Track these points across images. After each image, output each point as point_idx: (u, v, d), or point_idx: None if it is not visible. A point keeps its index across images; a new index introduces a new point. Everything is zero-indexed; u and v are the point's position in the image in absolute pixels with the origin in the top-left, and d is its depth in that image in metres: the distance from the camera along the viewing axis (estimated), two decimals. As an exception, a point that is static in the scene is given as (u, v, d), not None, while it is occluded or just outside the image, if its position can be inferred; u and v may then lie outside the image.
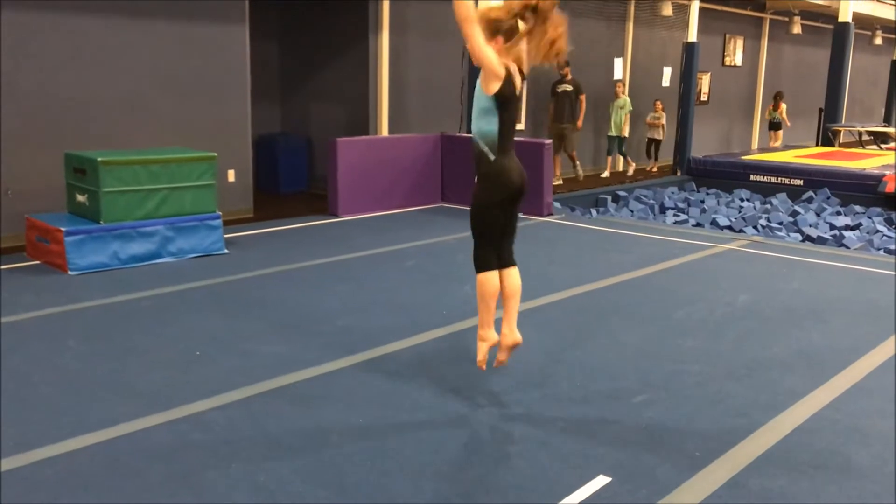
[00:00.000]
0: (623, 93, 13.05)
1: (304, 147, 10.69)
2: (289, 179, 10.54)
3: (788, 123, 16.88)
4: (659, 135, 13.93)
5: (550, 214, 8.81)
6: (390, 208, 8.90)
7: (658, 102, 13.79)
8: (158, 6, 7.72)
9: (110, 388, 3.89)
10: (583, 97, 11.93)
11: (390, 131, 10.35)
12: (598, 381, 4.13)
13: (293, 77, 10.93)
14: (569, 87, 11.94)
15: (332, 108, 10.52)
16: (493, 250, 3.64)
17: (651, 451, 3.36)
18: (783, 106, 16.88)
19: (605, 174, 13.43)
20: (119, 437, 3.38)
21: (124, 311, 5.12)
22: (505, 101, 3.50)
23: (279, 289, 5.73)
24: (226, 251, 6.68)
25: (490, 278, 3.63)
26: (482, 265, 3.63)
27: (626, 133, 13.19)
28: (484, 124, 3.54)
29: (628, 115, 12.99)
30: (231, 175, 8.49)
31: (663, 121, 13.77)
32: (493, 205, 3.57)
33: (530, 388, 4.01)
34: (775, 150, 15.65)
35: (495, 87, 3.47)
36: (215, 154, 6.76)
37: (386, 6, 10.06)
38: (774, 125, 16.94)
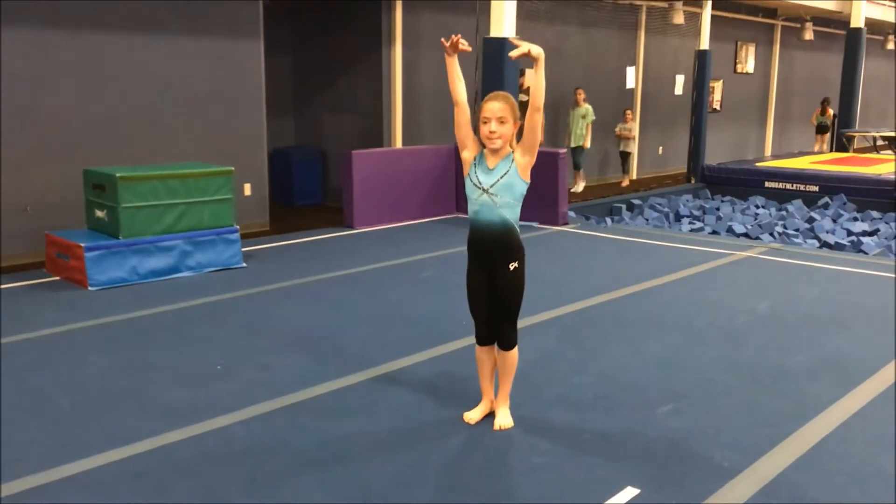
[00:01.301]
0: (584, 101, 12.19)
1: (319, 159, 10.72)
2: (304, 192, 10.57)
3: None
4: (630, 147, 13.41)
5: (566, 224, 8.79)
6: (405, 219, 8.91)
7: (628, 112, 13.25)
8: (174, 22, 7.78)
9: (133, 403, 3.89)
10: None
11: (404, 143, 10.37)
12: (623, 391, 4.10)
13: (307, 90, 10.98)
14: (525, 97, 11.00)
15: (346, 120, 10.56)
16: (481, 324, 3.64)
17: (679, 462, 3.33)
18: (830, 111, 17.03)
19: (577, 188, 12.38)
20: (143, 452, 3.37)
21: (145, 326, 5.13)
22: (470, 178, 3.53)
23: (297, 302, 5.73)
24: (244, 265, 6.70)
25: (479, 352, 3.68)
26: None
27: (587, 144, 12.27)
28: (517, 209, 3.49)
29: (590, 126, 12.19)
30: (247, 189, 8.52)
31: (635, 132, 13.20)
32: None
33: (555, 398, 3.98)
34: (821, 152, 15.57)
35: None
36: (232, 168, 6.79)
37: (399, 19, 10.10)
38: (822, 129, 17.19)
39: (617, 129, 13.24)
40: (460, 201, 9.42)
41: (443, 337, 4.89)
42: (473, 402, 3.84)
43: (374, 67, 10.16)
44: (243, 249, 6.86)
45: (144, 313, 5.38)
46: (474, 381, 4.20)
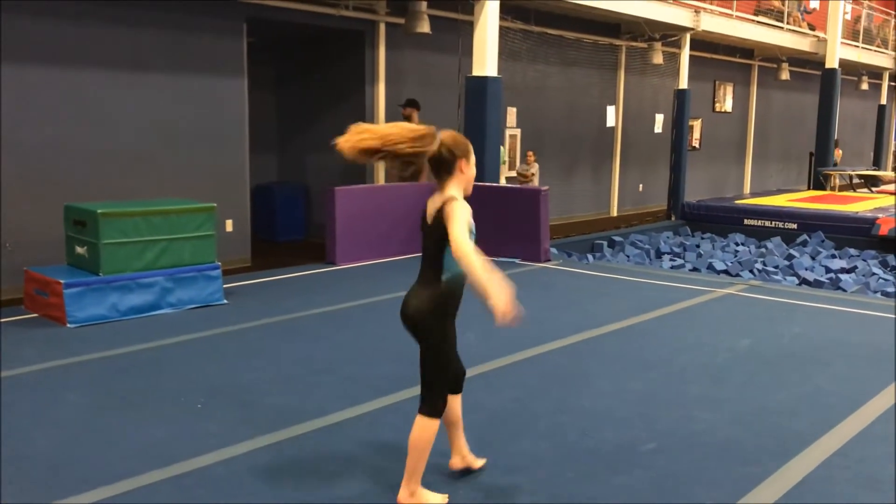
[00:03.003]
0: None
1: (302, 196, 10.74)
2: (286, 228, 10.57)
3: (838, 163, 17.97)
4: None
5: (548, 260, 8.83)
6: (388, 256, 8.91)
7: (530, 154, 12.17)
8: (158, 59, 7.82)
9: (112, 444, 3.84)
10: None
11: (387, 180, 10.41)
12: (606, 429, 4.09)
13: (291, 126, 11.03)
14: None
15: (330, 156, 10.49)
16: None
17: (663, 501, 3.32)
18: (839, 151, 17.88)
19: None
20: (122, 493, 3.32)
21: (124, 364, 5.08)
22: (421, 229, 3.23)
23: (279, 339, 5.70)
24: (225, 301, 6.66)
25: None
26: None
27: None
28: None
29: (505, 166, 11.24)
30: (229, 225, 8.50)
31: (534, 170, 12.06)
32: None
33: (538, 437, 3.97)
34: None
35: None
36: (214, 205, 6.78)
37: (382, 57, 10.21)
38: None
39: (518, 170, 12.24)
40: (443, 238, 9.43)
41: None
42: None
43: (358, 104, 10.23)
44: (225, 286, 6.83)
45: (124, 351, 5.33)
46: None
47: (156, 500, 3.27)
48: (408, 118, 9.56)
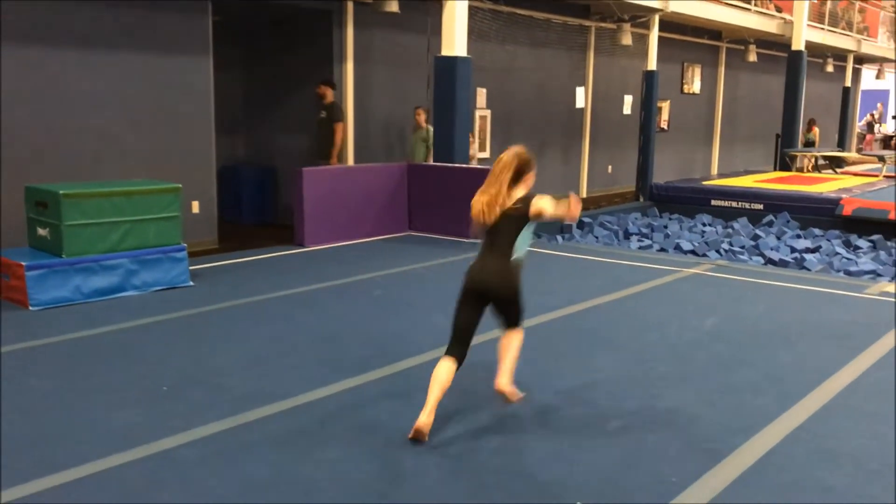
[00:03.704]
0: (426, 122, 10.36)
1: (269, 177, 10.64)
2: (254, 210, 10.48)
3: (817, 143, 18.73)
4: None
5: (517, 241, 8.84)
6: (357, 238, 8.87)
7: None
8: (121, 37, 7.67)
9: (76, 427, 3.79)
10: (338, 126, 9.41)
11: (356, 160, 10.35)
12: (573, 407, 4.12)
13: (258, 107, 10.90)
14: (323, 114, 9.54)
15: (298, 137, 10.49)
16: (455, 336, 3.85)
17: (627, 478, 3.36)
18: (816, 129, 18.47)
19: None
20: (86, 476, 3.29)
21: (88, 347, 5.01)
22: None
23: (246, 321, 5.66)
24: (191, 283, 6.59)
25: (440, 364, 3.79)
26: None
27: None
28: None
29: (432, 150, 10.27)
30: (195, 206, 8.40)
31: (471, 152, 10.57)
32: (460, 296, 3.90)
33: (504, 415, 3.99)
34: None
35: None
36: (179, 185, 6.69)
37: (350, 36, 10.11)
38: (809, 144, 18.48)
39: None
40: (413, 219, 9.42)
41: (397, 355, 4.86)
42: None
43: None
44: (191, 268, 6.75)
45: (88, 334, 5.26)
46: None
47: (122, 483, 3.24)
48: (322, 97, 9.38)
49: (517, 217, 3.79)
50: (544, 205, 3.76)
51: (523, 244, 3.87)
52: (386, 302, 6.26)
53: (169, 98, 8.11)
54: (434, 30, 9.62)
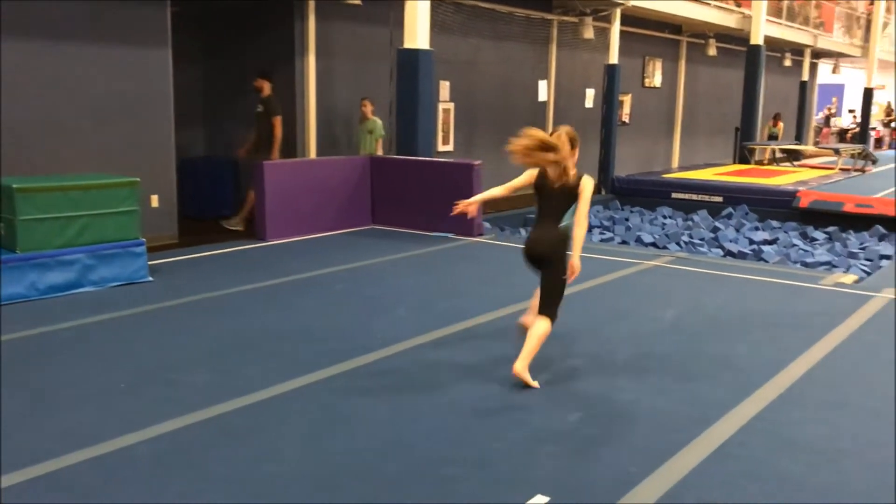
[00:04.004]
0: (372, 113, 10.21)
1: (231, 170, 10.51)
2: (214, 203, 10.33)
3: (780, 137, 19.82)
4: None
5: (481, 235, 8.86)
6: (320, 231, 8.81)
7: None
8: (76, 27, 7.51)
9: (31, 426, 3.72)
10: (276, 120, 9.08)
11: (319, 154, 10.28)
12: (533, 398, 4.14)
13: (219, 99, 10.77)
14: (260, 108, 9.22)
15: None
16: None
17: (588, 469, 3.39)
18: (781, 124, 19.36)
19: None
20: (41, 475, 3.23)
21: (44, 344, 4.92)
22: (537, 191, 4.39)
23: (206, 316, 5.59)
24: (150, 279, 6.50)
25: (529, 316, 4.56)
26: None
27: None
28: None
29: (380, 141, 10.21)
30: (155, 200, 8.27)
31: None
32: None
33: (465, 408, 4.00)
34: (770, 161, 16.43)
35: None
36: (137, 179, 6.58)
37: (312, 28, 10.03)
38: (773, 138, 19.47)
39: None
40: (377, 212, 9.39)
41: (357, 350, 4.85)
42: (387, 420, 3.82)
43: (288, 77, 10.05)
44: (150, 263, 6.66)
45: (44, 330, 5.16)
46: (389, 394, 4.19)
47: (76, 482, 3.19)
48: (259, 90, 9.16)
49: (571, 194, 4.30)
50: (587, 210, 4.36)
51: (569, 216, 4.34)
52: (348, 296, 6.24)
53: (127, 90, 7.97)
54: (397, 22, 9.58)
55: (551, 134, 4.36)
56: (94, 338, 5.06)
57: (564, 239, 4.33)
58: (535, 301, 4.44)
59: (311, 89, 10.14)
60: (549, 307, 4.38)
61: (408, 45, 9.31)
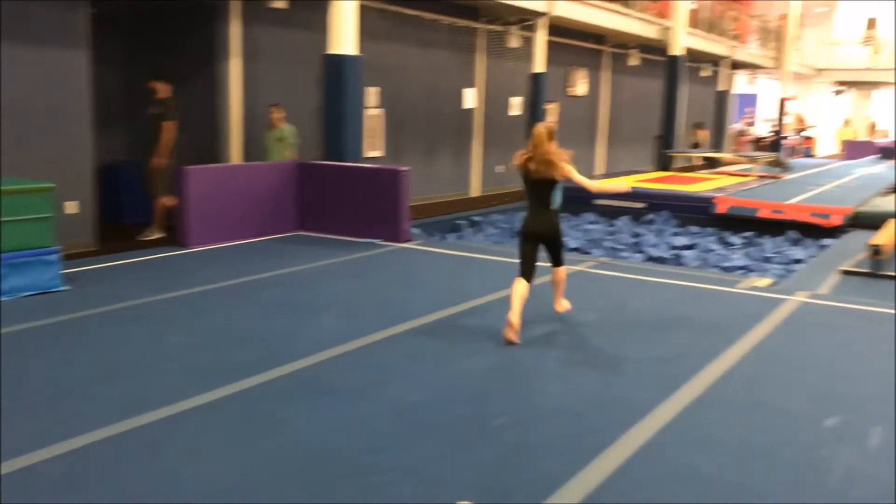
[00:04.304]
0: (283, 121, 9.88)
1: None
2: (135, 210, 10.06)
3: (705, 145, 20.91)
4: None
5: (409, 240, 8.86)
6: (245, 238, 8.67)
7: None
8: (-14, 27, 7.23)
9: (-67, 443, 3.55)
10: (168, 125, 8.84)
11: (245, 159, 10.12)
12: (458, 405, 4.16)
13: (140, 103, 10.47)
14: (154, 110, 8.98)
15: (182, 135, 10.15)
16: (523, 266, 5.52)
17: (511, 474, 3.41)
18: (706, 132, 20.72)
19: None
20: (-57, 496, 3.08)
21: (-51, 357, 4.70)
22: (524, 180, 5.56)
23: (124, 326, 5.43)
24: (65, 288, 6.28)
25: (516, 282, 5.44)
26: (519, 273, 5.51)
27: None
28: None
29: (292, 150, 9.91)
30: (71, 206, 8.01)
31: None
32: (521, 240, 5.64)
33: (393, 414, 3.99)
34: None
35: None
36: (52, 185, 6.36)
37: (236, 32, 9.88)
38: (697, 146, 20.36)
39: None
40: (304, 218, 9.29)
41: (281, 359, 4.78)
42: (317, 434, 3.77)
43: (211, 81, 9.88)
44: (67, 271, 6.44)
45: (-51, 343, 4.93)
46: (315, 402, 4.15)
47: (-18, 502, 3.05)
48: (154, 92, 8.93)
49: (551, 179, 5.44)
50: (569, 172, 5.50)
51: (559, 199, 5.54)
52: (274, 303, 6.15)
53: (41, 92, 7.70)
54: (324, 27, 9.51)
55: (534, 134, 5.49)
56: (4, 351, 4.86)
57: (558, 219, 5.62)
58: (516, 303, 5.31)
59: (236, 94, 9.98)
60: (562, 260, 5.81)
61: (335, 50, 9.26)
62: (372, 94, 12.15)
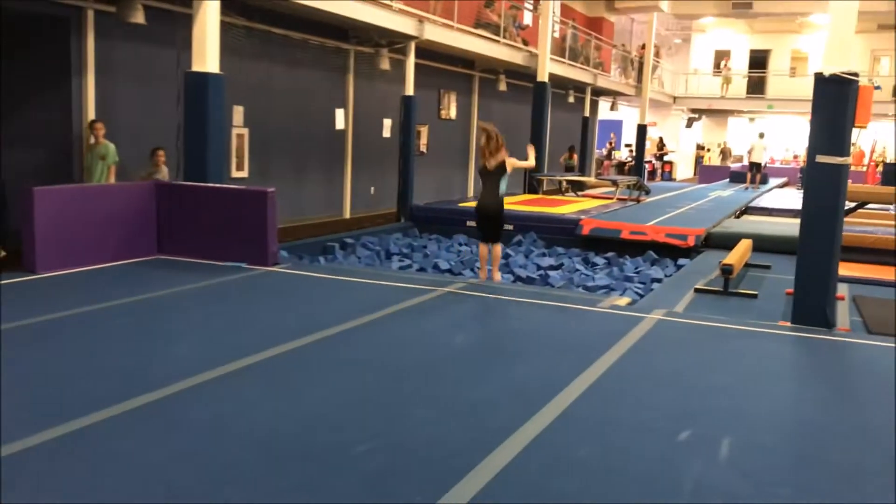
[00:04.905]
0: (103, 137, 9.43)
1: (-4, 196, 9.57)
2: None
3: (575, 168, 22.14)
4: None
5: (276, 264, 8.64)
6: (99, 262, 8.20)
7: (160, 153, 9.99)
8: None
9: None
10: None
11: (86, 179, 9.61)
12: (319, 433, 4.05)
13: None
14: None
15: (31, 153, 9.57)
16: (481, 235, 8.54)
17: (374, 501, 3.33)
18: (575, 156, 22.01)
19: None
20: None
21: None
22: (480, 170, 8.22)
23: (-42, 359, 5.00)
24: None
25: (480, 246, 8.54)
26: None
27: None
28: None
29: (113, 168, 9.49)
30: None
31: (163, 174, 9.96)
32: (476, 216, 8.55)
33: (252, 446, 3.83)
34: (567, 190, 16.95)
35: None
36: None
37: (91, 46, 9.42)
38: (570, 169, 21.62)
39: (141, 175, 9.95)
40: (163, 241, 8.90)
41: (135, 390, 4.51)
42: (177, 458, 3.57)
43: (64, 97, 9.37)
44: None
45: None
46: (172, 436, 3.95)
47: None
48: None
49: (500, 170, 8.04)
50: (513, 162, 8.27)
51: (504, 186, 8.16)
52: (127, 332, 5.83)
53: None
54: (184, 44, 9.21)
55: (486, 132, 8.10)
56: None
57: (502, 203, 8.26)
58: (483, 258, 8.33)
59: (91, 111, 9.50)
60: (497, 238, 8.31)
61: (197, 67, 8.96)
62: (237, 113, 11.86)
